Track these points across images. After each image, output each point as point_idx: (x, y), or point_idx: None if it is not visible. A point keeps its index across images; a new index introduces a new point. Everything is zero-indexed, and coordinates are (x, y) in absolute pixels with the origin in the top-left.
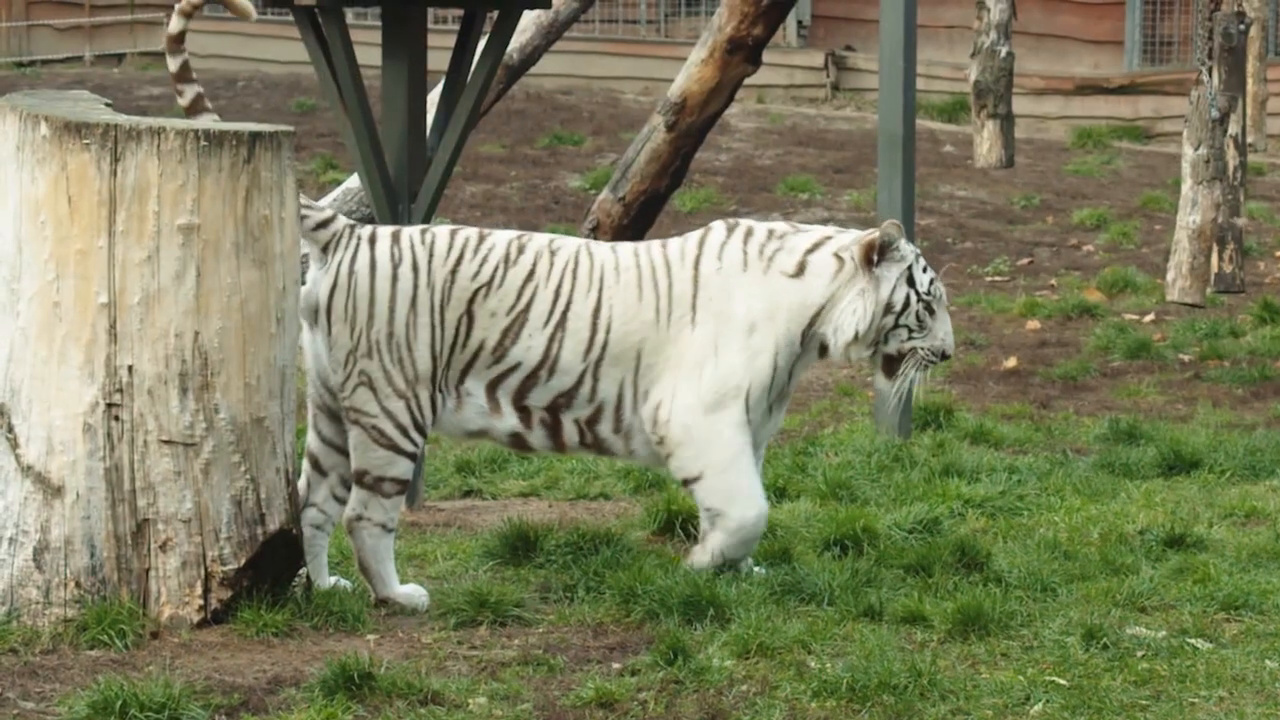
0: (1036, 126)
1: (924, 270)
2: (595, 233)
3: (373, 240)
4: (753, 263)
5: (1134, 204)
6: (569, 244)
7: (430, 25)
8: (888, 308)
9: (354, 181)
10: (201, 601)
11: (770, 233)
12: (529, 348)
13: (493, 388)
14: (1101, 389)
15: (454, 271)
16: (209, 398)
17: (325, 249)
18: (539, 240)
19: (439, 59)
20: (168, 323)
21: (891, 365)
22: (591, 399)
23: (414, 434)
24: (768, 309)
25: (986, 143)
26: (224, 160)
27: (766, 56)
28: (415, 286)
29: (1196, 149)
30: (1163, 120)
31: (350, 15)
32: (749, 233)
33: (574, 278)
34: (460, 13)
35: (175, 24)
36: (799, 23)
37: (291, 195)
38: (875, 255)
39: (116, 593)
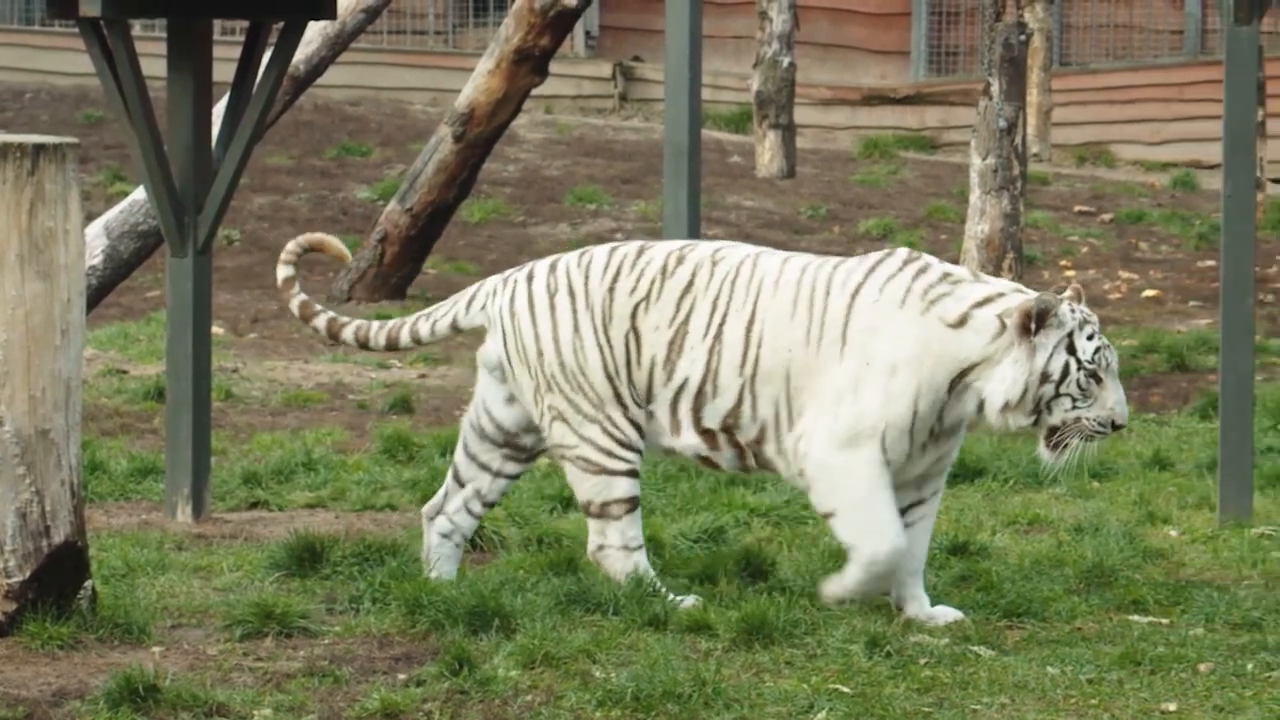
0: (824, 137)
1: (1089, 337)
2: (383, 244)
3: (530, 277)
4: (912, 302)
5: (920, 213)
6: (734, 254)
7: (216, 36)
8: (1044, 377)
9: (141, 193)
10: None
11: (945, 275)
12: (692, 361)
13: (674, 407)
14: None
15: (611, 289)
16: None
17: (483, 309)
18: (702, 250)
19: (225, 70)
20: None
21: (1055, 436)
22: (754, 419)
23: (622, 452)
24: (914, 353)
25: (768, 153)
26: (8, 172)
27: (554, 67)
28: (574, 311)
29: (985, 158)
30: (949, 130)
31: (136, 27)
32: (922, 270)
33: (732, 288)
34: (246, 24)
35: (283, 271)
36: (587, 33)
37: (76, 207)
38: (1032, 324)
39: None
